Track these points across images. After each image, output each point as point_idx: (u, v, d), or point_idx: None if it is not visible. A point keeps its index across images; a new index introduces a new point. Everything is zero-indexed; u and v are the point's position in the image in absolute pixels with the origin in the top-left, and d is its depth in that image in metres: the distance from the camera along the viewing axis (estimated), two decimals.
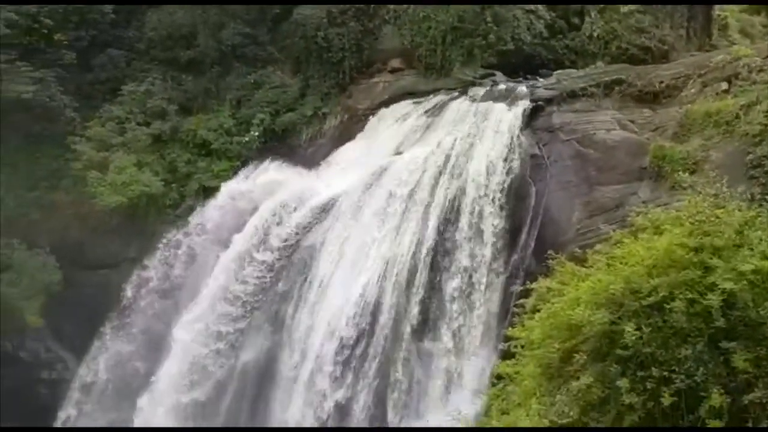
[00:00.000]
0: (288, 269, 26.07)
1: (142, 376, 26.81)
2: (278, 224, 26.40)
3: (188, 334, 26.19)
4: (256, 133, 31.38)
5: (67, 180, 30.78)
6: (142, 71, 33.47)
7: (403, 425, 21.78)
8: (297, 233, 26.28)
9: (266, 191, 27.60)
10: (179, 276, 27.75)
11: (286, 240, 26.22)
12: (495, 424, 12.90)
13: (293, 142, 31.01)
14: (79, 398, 27.85)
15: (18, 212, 30.50)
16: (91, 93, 33.39)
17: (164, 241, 28.21)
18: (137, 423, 25.89)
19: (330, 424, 23.44)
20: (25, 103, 31.07)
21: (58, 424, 27.69)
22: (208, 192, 29.21)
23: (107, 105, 32.42)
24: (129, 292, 28.10)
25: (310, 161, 29.27)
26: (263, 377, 25.45)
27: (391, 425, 22.58)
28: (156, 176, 30.32)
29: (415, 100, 29.04)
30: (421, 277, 23.81)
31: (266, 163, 28.72)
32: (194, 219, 28.12)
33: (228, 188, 28.32)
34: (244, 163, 30.20)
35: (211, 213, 28.14)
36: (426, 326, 23.50)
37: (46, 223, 30.31)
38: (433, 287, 23.86)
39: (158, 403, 25.92)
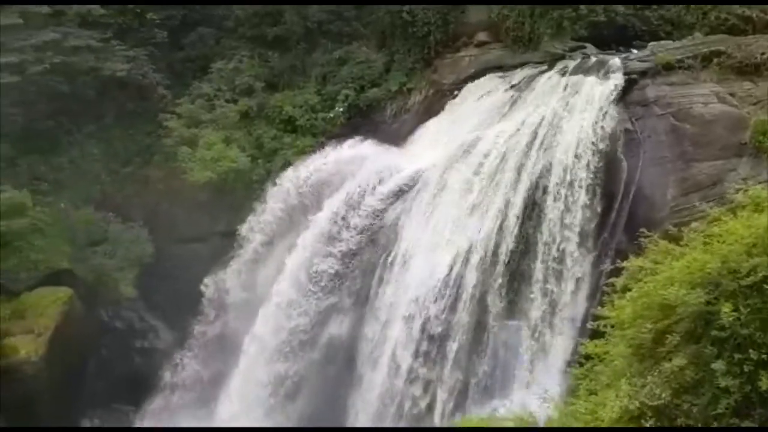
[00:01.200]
0: (371, 245, 26.08)
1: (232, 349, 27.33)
2: (362, 200, 26.38)
3: (273, 310, 26.49)
4: (341, 109, 31.44)
5: (159, 156, 31.57)
6: (230, 49, 33.93)
7: (488, 404, 21.55)
8: (381, 209, 26.22)
9: (350, 167, 27.57)
10: (265, 249, 28.07)
11: (369, 216, 26.20)
12: (583, 404, 12.61)
13: (378, 118, 30.94)
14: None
15: (113, 187, 31.52)
16: (182, 71, 34.09)
17: (250, 215, 28.49)
18: (233, 386, 26.29)
19: (413, 400, 23.40)
20: (120, 81, 31.99)
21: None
22: (293, 168, 29.34)
23: (197, 82, 33.03)
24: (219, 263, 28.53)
25: (395, 137, 29.15)
26: (347, 352, 25.61)
27: (474, 403, 22.40)
28: (243, 152, 30.75)
29: (501, 74, 28.52)
30: (507, 255, 23.43)
31: (350, 139, 28.71)
32: (279, 194, 28.28)
33: (312, 164, 28.39)
34: (329, 139, 30.32)
35: (296, 189, 28.28)
36: (511, 304, 23.18)
37: (139, 198, 31.21)
38: (519, 265, 23.48)
39: (248, 377, 26.36)
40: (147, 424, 28.02)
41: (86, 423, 28.22)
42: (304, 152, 30.03)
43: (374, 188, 26.49)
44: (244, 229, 28.48)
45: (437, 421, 23.04)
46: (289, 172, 28.75)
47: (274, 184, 28.77)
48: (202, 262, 28.97)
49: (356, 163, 27.41)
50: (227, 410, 26.34)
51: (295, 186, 28.21)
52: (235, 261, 28.52)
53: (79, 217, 30.55)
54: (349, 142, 28.50)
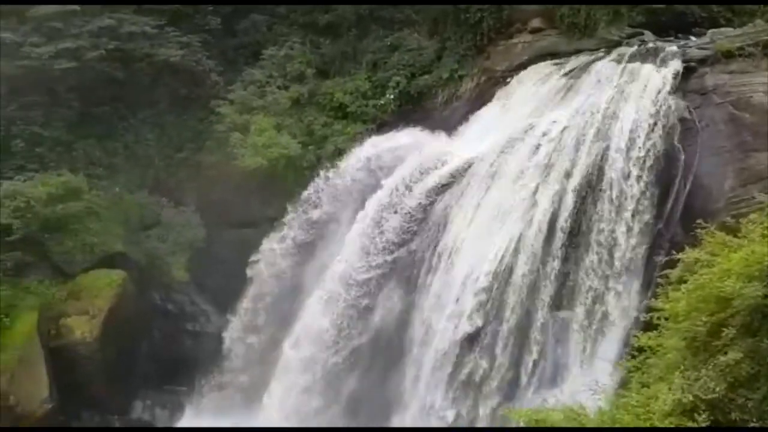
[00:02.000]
0: (421, 233, 25.95)
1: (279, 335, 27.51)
2: (412, 187, 26.28)
3: (323, 295, 26.59)
4: (392, 96, 31.36)
5: (211, 142, 31.89)
6: (282, 35, 34.08)
7: (537, 395, 21.36)
8: (431, 197, 26.07)
9: (401, 154, 27.48)
10: (314, 237, 28.16)
11: (419, 203, 26.07)
12: (635, 396, 12.43)
13: (428, 105, 30.77)
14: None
15: (166, 172, 31.98)
16: (234, 57, 34.37)
17: (301, 201, 28.61)
18: (280, 369, 26.54)
19: (461, 392, 23.30)
20: (173, 67, 32.41)
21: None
22: (343, 154, 29.41)
23: (249, 69, 33.24)
24: (266, 251, 28.68)
25: (446, 124, 28.91)
26: (395, 340, 25.58)
27: (523, 394, 22.22)
28: (294, 138, 30.87)
29: (556, 61, 28.05)
30: (558, 244, 23.11)
31: (401, 126, 28.61)
32: (329, 181, 28.34)
33: (363, 151, 28.36)
34: (380, 126, 30.27)
35: (346, 175, 28.30)
36: (562, 294, 22.86)
37: (191, 183, 31.60)
38: (571, 255, 23.12)
39: (298, 360, 26.53)
40: (198, 404, 28.36)
41: (138, 404, 28.76)
42: (355, 139, 30.01)
43: (424, 177, 26.36)
44: (291, 216, 28.53)
45: (483, 412, 22.91)
46: (339, 160, 28.77)
47: (324, 170, 28.81)
48: (252, 247, 29.18)
49: (406, 151, 27.27)
50: (277, 393, 26.54)
51: (344, 174, 28.19)
52: (282, 246, 28.60)
53: (133, 201, 31.11)
54: (399, 129, 28.38)
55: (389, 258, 25.96)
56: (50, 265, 29.10)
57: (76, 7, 30.96)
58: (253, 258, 28.51)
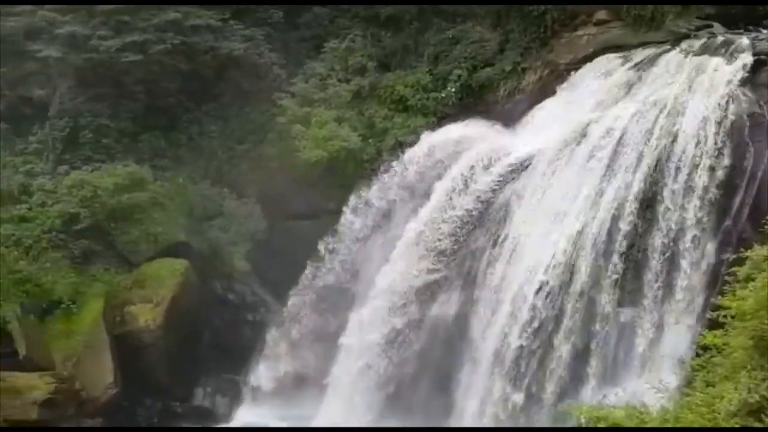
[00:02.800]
0: (481, 226, 25.80)
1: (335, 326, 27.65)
2: (473, 181, 26.11)
3: (381, 287, 26.63)
4: (453, 89, 31.21)
5: (272, 134, 32.17)
6: (344, 28, 34.20)
7: (598, 392, 21.05)
8: (492, 190, 25.87)
9: (462, 147, 27.33)
10: (372, 229, 28.22)
11: (480, 197, 25.90)
12: (699, 396, 12.16)
13: (490, 98, 30.51)
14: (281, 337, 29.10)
15: (229, 163, 32.37)
16: (296, 50, 34.62)
17: (360, 194, 28.67)
18: (337, 366, 26.69)
19: (518, 387, 23.12)
20: (237, 60, 32.82)
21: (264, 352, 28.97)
22: (403, 148, 29.38)
23: (310, 62, 33.47)
24: (325, 242, 28.82)
25: (508, 117, 28.65)
26: (452, 334, 25.50)
27: (584, 390, 21.93)
28: (354, 131, 30.97)
29: (621, 54, 27.53)
30: (623, 240, 22.70)
31: (462, 119, 28.45)
32: (389, 173, 28.34)
33: (424, 144, 28.29)
34: (440, 120, 30.15)
35: (406, 168, 28.27)
36: (626, 291, 22.45)
37: (253, 174, 31.93)
38: (636, 251, 22.65)
39: (355, 352, 26.63)
40: (257, 393, 28.67)
41: (199, 391, 29.19)
42: (415, 132, 29.95)
43: (485, 170, 26.16)
44: (350, 209, 28.60)
45: (542, 410, 22.68)
46: (400, 153, 28.74)
47: (384, 163, 28.83)
48: (313, 239, 29.38)
49: (467, 144, 27.10)
50: (332, 384, 26.70)
51: (404, 166, 28.16)
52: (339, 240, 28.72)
53: (196, 192, 31.59)
54: (461, 122, 28.22)
55: (448, 251, 25.86)
56: (116, 254, 29.74)
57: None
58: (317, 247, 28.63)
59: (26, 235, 28.94)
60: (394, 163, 28.37)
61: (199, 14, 32.20)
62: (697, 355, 14.09)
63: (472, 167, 26.34)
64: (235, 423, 28.26)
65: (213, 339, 29.66)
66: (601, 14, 29.09)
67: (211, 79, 32.96)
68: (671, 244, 22.14)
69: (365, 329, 26.55)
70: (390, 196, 28.06)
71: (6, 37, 31.29)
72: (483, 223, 25.66)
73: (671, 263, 22.03)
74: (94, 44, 30.77)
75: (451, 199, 26.14)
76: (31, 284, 27.94)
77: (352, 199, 28.51)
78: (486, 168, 26.18)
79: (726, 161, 22.22)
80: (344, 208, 28.45)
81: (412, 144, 28.80)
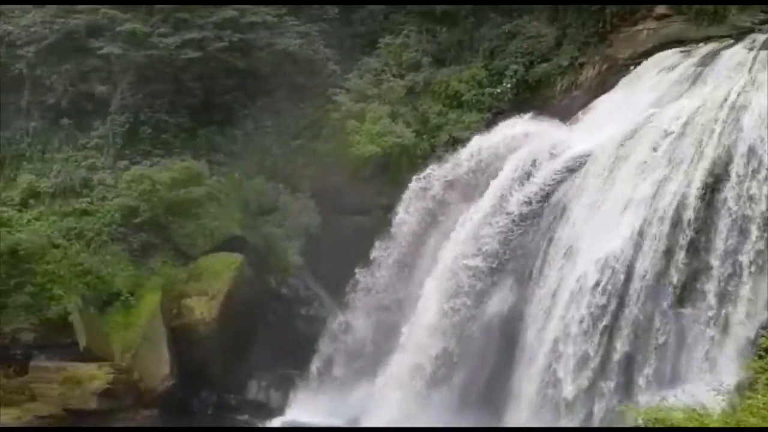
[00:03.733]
0: (537, 224, 25.51)
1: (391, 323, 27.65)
2: (529, 178, 25.83)
3: (435, 284, 26.53)
4: (509, 85, 31.01)
5: (327, 129, 32.29)
6: (399, 24, 34.22)
7: (656, 393, 20.63)
8: (548, 187, 25.59)
9: (517, 144, 27.06)
10: (426, 226, 28.11)
11: (536, 194, 25.63)
12: (761, 399, 11.87)
13: (547, 94, 30.28)
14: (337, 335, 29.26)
15: (283, 159, 32.57)
16: (351, 46, 34.72)
17: (413, 190, 28.57)
18: (391, 364, 26.73)
19: (573, 387, 22.84)
20: (292, 56, 32.99)
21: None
22: (458, 143, 29.24)
23: (365, 57, 33.56)
24: (379, 238, 28.84)
25: (564, 113, 28.33)
26: (507, 333, 25.28)
27: (642, 391, 21.51)
28: (408, 127, 30.97)
29: (682, 48, 27.07)
30: (682, 239, 22.17)
31: (518, 115, 28.17)
32: (443, 170, 28.20)
33: (478, 140, 28.07)
34: (495, 115, 29.93)
35: (460, 164, 28.11)
36: (686, 291, 21.88)
37: (307, 170, 32.08)
38: (696, 251, 22.06)
39: (409, 349, 26.61)
40: (310, 387, 28.85)
41: (253, 384, 29.44)
42: (470, 128, 29.82)
43: (542, 166, 25.87)
44: (405, 203, 28.53)
45: (599, 409, 22.38)
46: (454, 149, 28.60)
47: (439, 159, 28.71)
48: (365, 234, 29.45)
49: (523, 140, 26.83)
50: (386, 380, 26.72)
51: (459, 162, 28.01)
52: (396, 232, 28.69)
53: (251, 187, 31.84)
54: (517, 118, 27.94)
55: (503, 248, 25.65)
56: (173, 248, 30.10)
57: None
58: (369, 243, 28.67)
59: (87, 228, 29.52)
60: (448, 159, 28.21)
61: (256, 11, 32.45)
62: (759, 357, 13.73)
63: (529, 164, 26.07)
64: (287, 417, 28.41)
65: (267, 333, 29.90)
66: (662, 8, 28.66)
67: (267, 75, 33.18)
68: (733, 243, 21.58)
69: (419, 328, 26.49)
70: (444, 191, 27.92)
71: (69, 34, 31.94)
72: (538, 221, 25.38)
73: (733, 263, 21.48)
74: (154, 41, 31.22)
75: (505, 196, 25.89)
76: (91, 276, 28.51)
77: (406, 196, 28.43)
78: (542, 164, 25.89)
79: None
80: (398, 208, 28.36)
81: (466, 140, 28.60)
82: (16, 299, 27.59)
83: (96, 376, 26.67)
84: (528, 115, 27.87)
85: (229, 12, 31.89)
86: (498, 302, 25.45)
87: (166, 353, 27.87)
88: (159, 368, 27.75)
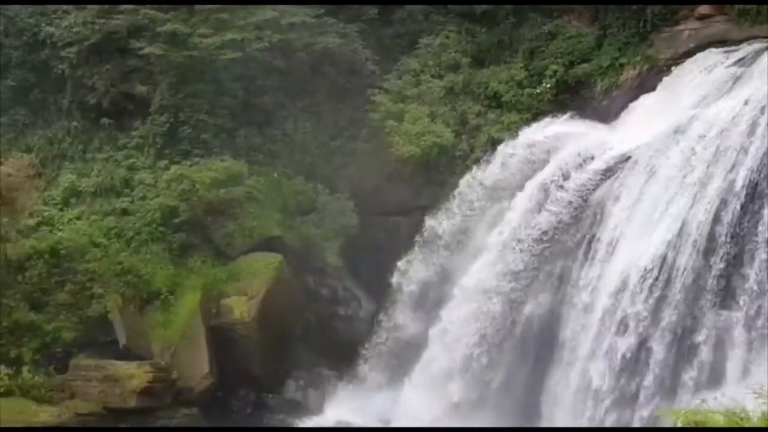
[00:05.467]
0: (576, 224, 25.31)
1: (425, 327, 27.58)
2: (568, 178, 25.64)
3: (472, 285, 26.42)
4: (548, 85, 30.73)
5: (366, 130, 32.30)
6: (438, 24, 34.09)
7: (696, 396, 20.34)
8: (587, 188, 25.37)
9: (557, 144, 26.90)
10: (467, 226, 28.01)
11: (575, 194, 25.43)
12: None
13: (586, 94, 29.95)
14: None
15: (322, 159, 32.63)
16: (390, 46, 34.64)
17: (454, 191, 28.47)
18: (427, 364, 26.63)
19: (614, 386, 22.59)
20: (332, 56, 33.02)
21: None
22: (496, 144, 29.07)
23: (404, 58, 33.47)
24: (418, 238, 28.78)
25: (604, 114, 28.09)
26: (545, 334, 25.10)
27: (681, 394, 21.23)
28: (447, 127, 30.84)
29: (725, 48, 26.63)
30: (723, 242, 21.87)
31: (558, 116, 27.97)
32: (484, 170, 28.06)
33: (518, 141, 27.92)
34: (535, 116, 29.69)
35: (500, 165, 27.96)
36: (727, 294, 21.59)
37: (346, 170, 32.11)
38: (737, 253, 21.77)
39: (448, 349, 26.52)
40: (348, 387, 28.91)
41: (292, 384, 29.54)
42: (509, 129, 29.60)
43: (580, 167, 25.66)
44: (444, 205, 28.45)
45: (638, 414, 22.10)
46: (494, 149, 28.45)
47: (478, 160, 28.58)
48: (404, 235, 29.42)
49: (563, 141, 26.65)
50: (420, 381, 26.67)
51: (499, 164, 27.87)
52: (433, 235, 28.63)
53: (290, 187, 31.94)
54: (556, 118, 27.75)
55: (541, 249, 25.47)
56: (212, 247, 30.31)
57: None
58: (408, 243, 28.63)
59: (128, 227, 29.87)
60: (488, 160, 28.08)
61: (295, 12, 32.58)
62: None
63: (568, 165, 25.88)
64: (325, 417, 28.48)
65: (305, 332, 30.01)
66: (704, 8, 28.17)
67: (306, 76, 33.28)
68: None
69: (455, 330, 26.40)
70: (483, 193, 27.80)
71: (110, 35, 32.32)
72: (578, 222, 25.18)
73: None
74: (194, 42, 31.46)
75: (545, 196, 25.72)
76: (131, 275, 28.82)
77: (445, 197, 28.35)
78: (582, 165, 25.68)
79: None
80: (437, 214, 28.23)
81: (505, 140, 28.45)
82: (57, 298, 28.04)
83: (135, 374, 26.92)
84: (568, 116, 27.71)
85: (269, 13, 32.04)
86: (535, 303, 25.29)
87: (205, 352, 28.06)
88: (198, 367, 27.96)
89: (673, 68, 27.64)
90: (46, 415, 26.00)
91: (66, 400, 26.79)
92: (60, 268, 28.34)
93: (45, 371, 27.32)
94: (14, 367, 26.94)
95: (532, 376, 25.05)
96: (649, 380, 21.97)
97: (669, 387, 21.71)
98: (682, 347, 21.79)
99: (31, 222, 29.71)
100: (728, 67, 25.76)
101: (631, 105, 27.83)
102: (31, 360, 27.28)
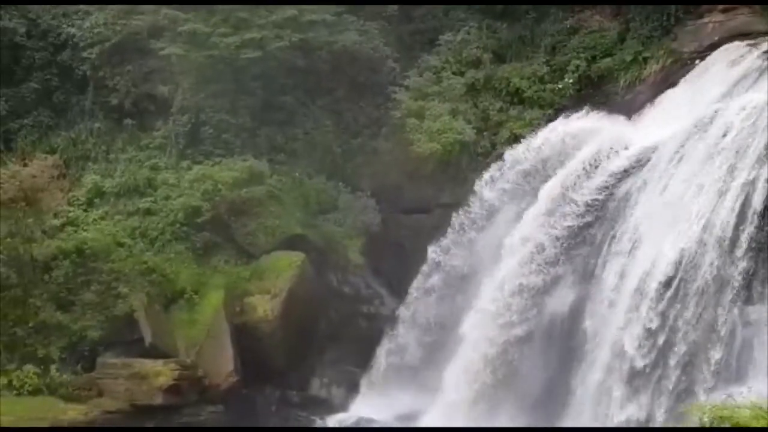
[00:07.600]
0: (598, 220, 25.21)
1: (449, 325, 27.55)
2: (591, 173, 25.55)
3: (495, 283, 26.38)
4: (571, 80, 30.62)
5: (386, 128, 32.25)
6: (458, 21, 34.04)
7: (721, 390, 20.21)
8: (610, 183, 25.27)
9: (579, 140, 26.77)
10: (489, 222, 27.97)
11: (598, 190, 25.34)
12: None
13: (609, 89, 29.83)
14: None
15: (343, 157, 32.62)
16: (410, 44, 34.62)
17: (474, 188, 28.41)
18: (452, 362, 26.64)
19: (636, 385, 22.48)
20: (352, 54, 32.97)
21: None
22: (518, 140, 28.99)
23: (425, 55, 33.43)
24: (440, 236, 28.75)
25: (627, 109, 27.95)
26: (568, 330, 25.02)
27: (706, 389, 21.10)
28: (469, 124, 30.76)
29: (750, 41, 26.40)
30: (749, 236, 21.74)
31: (580, 111, 27.83)
32: (506, 167, 27.96)
33: (540, 136, 27.81)
34: (557, 111, 29.58)
35: (523, 161, 27.87)
36: (753, 289, 21.48)
37: (367, 168, 32.09)
38: (761, 248, 21.68)
39: (467, 352, 26.51)
40: (372, 385, 28.95)
41: (316, 382, 29.62)
42: (531, 125, 29.52)
43: (605, 162, 25.56)
44: (468, 201, 28.40)
45: (661, 410, 21.99)
46: (517, 145, 28.36)
47: (500, 156, 28.50)
48: (426, 232, 29.40)
49: (586, 136, 26.52)
50: (448, 378, 26.65)
51: (521, 159, 27.78)
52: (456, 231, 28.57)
53: (312, 186, 31.98)
54: (579, 114, 27.61)
55: (563, 245, 25.39)
56: (235, 246, 30.42)
57: None
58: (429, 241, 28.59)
59: (151, 227, 30.05)
60: (510, 156, 27.99)
61: (315, 10, 32.58)
62: None
63: (591, 160, 25.77)
64: (350, 414, 28.54)
65: (329, 330, 30.08)
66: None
67: (326, 74, 33.29)
68: None
69: (478, 328, 26.36)
70: (506, 189, 27.72)
71: (131, 35, 32.53)
72: (601, 218, 25.07)
73: None
74: (215, 41, 31.54)
75: (567, 192, 25.63)
76: (156, 274, 29.00)
77: (468, 194, 28.27)
78: (606, 160, 25.57)
79: None
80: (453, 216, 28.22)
81: (528, 136, 28.34)
82: (83, 297, 28.26)
83: (161, 372, 27.10)
84: (590, 111, 27.55)
85: (288, 11, 32.06)
86: (559, 298, 25.22)
87: (230, 350, 28.17)
88: (223, 365, 28.09)
89: (697, 62, 27.49)
90: (74, 412, 26.26)
91: (93, 397, 27.03)
92: (85, 267, 28.57)
93: (72, 370, 27.60)
94: (42, 366, 27.21)
95: (557, 374, 24.93)
96: (673, 375, 21.88)
97: (693, 383, 21.61)
98: (707, 343, 21.64)
99: (57, 222, 29.93)
100: (754, 59, 25.56)
101: (656, 99, 27.71)
102: (59, 359, 27.56)
